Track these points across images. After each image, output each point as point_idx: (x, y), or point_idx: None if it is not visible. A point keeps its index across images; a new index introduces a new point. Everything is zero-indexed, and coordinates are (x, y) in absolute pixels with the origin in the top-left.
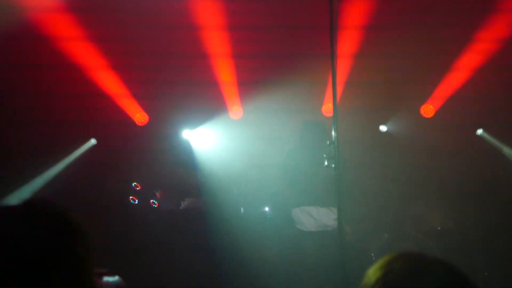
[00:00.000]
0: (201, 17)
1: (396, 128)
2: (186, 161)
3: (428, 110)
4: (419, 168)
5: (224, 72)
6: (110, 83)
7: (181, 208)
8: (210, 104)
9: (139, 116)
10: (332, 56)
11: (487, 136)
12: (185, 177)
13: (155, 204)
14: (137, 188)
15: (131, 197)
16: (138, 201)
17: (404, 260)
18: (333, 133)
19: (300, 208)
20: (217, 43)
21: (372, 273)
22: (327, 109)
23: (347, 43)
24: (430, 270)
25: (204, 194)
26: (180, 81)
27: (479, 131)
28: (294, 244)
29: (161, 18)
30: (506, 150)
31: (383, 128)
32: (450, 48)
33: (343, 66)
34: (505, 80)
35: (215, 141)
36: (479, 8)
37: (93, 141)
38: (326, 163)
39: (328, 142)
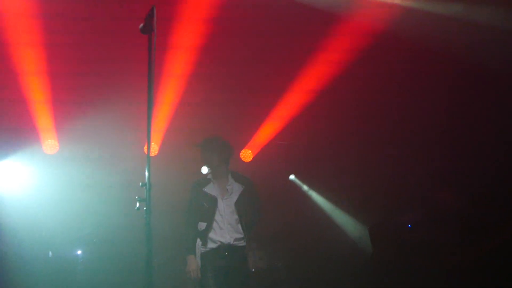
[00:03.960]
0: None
1: None
2: None
3: (246, 154)
4: None
5: (39, 101)
6: None
7: None
8: (20, 136)
9: None
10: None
11: (297, 181)
12: None
13: None
14: None
15: None
16: None
17: None
18: (146, 173)
19: None
20: (30, 63)
21: None
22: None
23: (175, 63)
24: None
25: (6, 235)
26: None
27: (292, 176)
28: None
29: None
30: (313, 194)
31: (204, 170)
32: (267, 99)
33: (175, 85)
34: (315, 131)
35: (24, 177)
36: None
37: None
38: (137, 205)
39: (140, 184)
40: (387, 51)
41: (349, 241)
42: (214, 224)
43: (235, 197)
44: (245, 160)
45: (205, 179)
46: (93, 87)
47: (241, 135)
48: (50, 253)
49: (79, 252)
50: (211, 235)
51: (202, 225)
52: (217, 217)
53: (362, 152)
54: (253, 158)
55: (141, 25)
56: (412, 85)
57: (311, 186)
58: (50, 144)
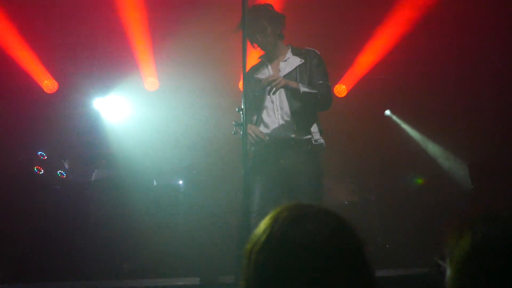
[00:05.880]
0: None
1: None
2: (96, 131)
3: (340, 90)
4: (329, 143)
5: (139, 40)
6: (17, 48)
7: (91, 179)
8: (124, 74)
9: (48, 83)
10: (244, 25)
11: (394, 116)
12: (94, 147)
13: (62, 175)
14: (43, 158)
15: (36, 167)
16: (43, 171)
17: (291, 209)
18: (242, 100)
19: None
20: (131, 8)
21: (263, 223)
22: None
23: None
24: (313, 217)
25: (115, 165)
26: (93, 48)
27: (387, 112)
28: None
29: None
30: (410, 130)
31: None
32: (362, 29)
33: None
34: (412, 63)
35: (128, 112)
36: None
37: None
38: (234, 129)
39: (237, 109)
40: None
41: (447, 177)
42: (264, 113)
43: (286, 72)
44: (339, 96)
45: (260, 63)
46: (192, 32)
47: (334, 70)
48: (155, 182)
49: (180, 182)
50: (261, 128)
51: (254, 119)
52: (267, 103)
53: (466, 86)
54: (347, 93)
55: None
56: None
57: (408, 121)
58: (150, 81)
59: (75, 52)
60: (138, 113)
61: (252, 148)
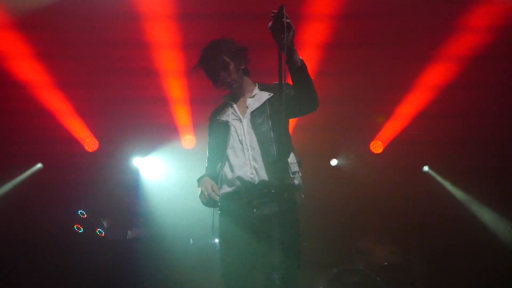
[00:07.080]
0: (151, 34)
1: (346, 162)
2: (134, 190)
3: (377, 145)
4: (367, 202)
5: (177, 99)
6: (61, 108)
7: (127, 237)
8: (162, 133)
9: (89, 142)
10: (280, 80)
11: (432, 173)
12: (132, 206)
13: (101, 234)
14: (83, 216)
15: (76, 225)
16: (83, 229)
17: None
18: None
19: None
20: (169, 63)
21: None
22: None
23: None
24: None
25: (151, 224)
26: (133, 109)
27: (425, 168)
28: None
29: (111, 35)
30: (449, 187)
31: (333, 162)
32: (394, 94)
33: None
34: (448, 118)
35: (166, 170)
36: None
37: (39, 166)
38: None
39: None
40: None
41: (492, 236)
42: (230, 154)
43: (255, 107)
44: (375, 152)
45: (224, 104)
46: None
47: (370, 126)
48: (191, 240)
49: (216, 240)
50: (226, 171)
51: (218, 167)
52: (234, 143)
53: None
54: (383, 150)
55: (270, 24)
56: None
57: (447, 177)
58: (188, 139)
59: (116, 111)
60: (175, 171)
61: (219, 203)
